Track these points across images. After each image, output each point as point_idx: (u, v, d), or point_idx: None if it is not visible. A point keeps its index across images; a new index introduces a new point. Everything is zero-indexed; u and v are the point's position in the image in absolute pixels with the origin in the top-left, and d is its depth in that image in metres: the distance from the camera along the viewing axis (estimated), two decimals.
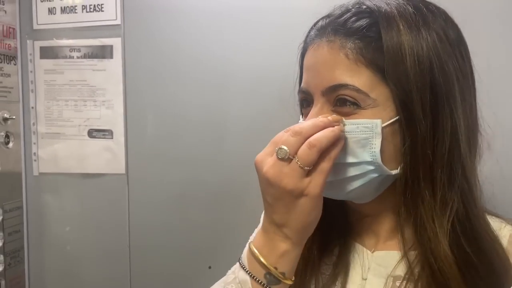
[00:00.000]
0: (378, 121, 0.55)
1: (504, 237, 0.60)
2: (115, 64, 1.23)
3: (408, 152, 0.56)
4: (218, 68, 1.16)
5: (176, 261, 1.22)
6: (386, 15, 0.57)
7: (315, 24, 0.64)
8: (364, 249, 0.65)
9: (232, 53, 1.15)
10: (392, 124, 0.56)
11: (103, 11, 1.23)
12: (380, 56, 0.56)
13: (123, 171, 1.25)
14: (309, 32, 0.65)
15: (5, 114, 1.20)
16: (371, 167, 0.56)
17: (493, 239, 0.58)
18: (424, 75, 0.55)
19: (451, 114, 0.56)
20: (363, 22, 0.58)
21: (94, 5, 1.23)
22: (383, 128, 0.55)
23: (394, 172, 0.57)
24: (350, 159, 0.57)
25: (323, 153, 0.54)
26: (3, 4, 1.20)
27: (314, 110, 0.59)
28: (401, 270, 0.60)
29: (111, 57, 1.23)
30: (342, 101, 0.57)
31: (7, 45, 1.22)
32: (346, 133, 0.56)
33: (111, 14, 1.22)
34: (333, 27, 0.59)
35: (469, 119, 0.59)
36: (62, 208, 1.30)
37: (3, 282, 1.17)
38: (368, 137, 0.55)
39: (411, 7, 0.58)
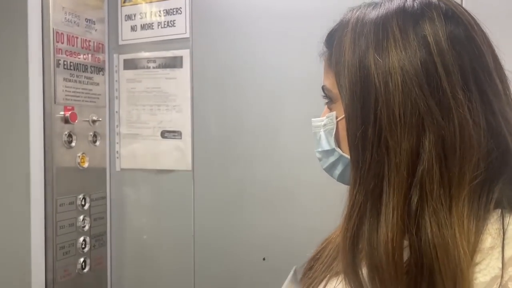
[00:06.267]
0: (334, 113, 0.63)
1: None
2: (184, 73, 1.39)
3: (357, 143, 0.58)
4: (273, 75, 1.27)
5: (234, 249, 1.34)
6: (342, 23, 0.62)
7: None
8: None
9: (285, 61, 1.25)
10: (343, 119, 0.61)
11: (175, 26, 1.39)
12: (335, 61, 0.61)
13: (189, 168, 1.39)
14: None
15: (94, 117, 1.38)
16: (335, 153, 0.64)
17: None
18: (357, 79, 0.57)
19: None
20: (329, 31, 0.66)
21: (168, 21, 1.40)
22: (338, 121, 0.62)
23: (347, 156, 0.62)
24: (326, 147, 0.65)
25: None
26: (94, 24, 1.41)
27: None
28: None
29: (181, 66, 1.39)
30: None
31: (96, 59, 1.43)
32: (324, 126, 0.64)
33: (181, 28, 1.39)
34: None
35: None
36: (138, 198, 1.48)
37: (88, 260, 1.36)
38: (333, 128, 0.63)
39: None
